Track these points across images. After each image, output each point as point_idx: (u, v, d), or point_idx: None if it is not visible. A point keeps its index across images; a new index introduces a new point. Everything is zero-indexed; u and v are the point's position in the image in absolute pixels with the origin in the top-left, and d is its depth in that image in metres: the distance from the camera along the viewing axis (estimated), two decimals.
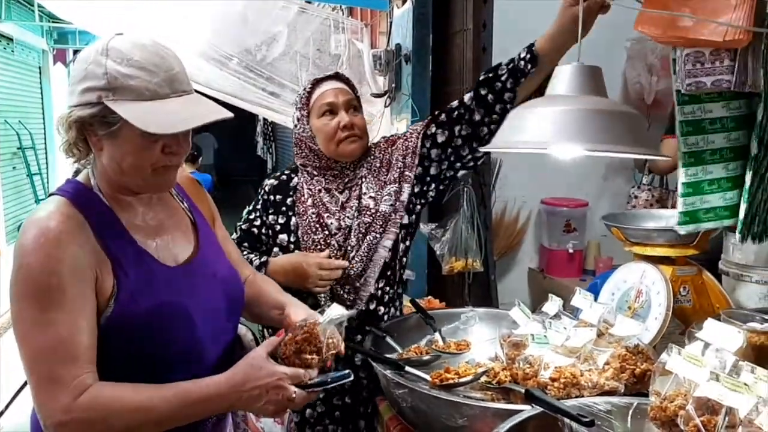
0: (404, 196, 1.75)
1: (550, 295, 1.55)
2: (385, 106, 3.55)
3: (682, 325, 1.56)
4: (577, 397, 1.24)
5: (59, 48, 9.73)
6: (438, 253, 3.05)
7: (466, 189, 2.99)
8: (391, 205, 1.75)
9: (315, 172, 1.79)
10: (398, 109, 3.42)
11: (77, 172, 1.21)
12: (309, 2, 4.03)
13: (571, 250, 3.29)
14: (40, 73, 9.19)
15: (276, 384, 1.10)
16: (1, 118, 7.41)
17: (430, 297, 2.98)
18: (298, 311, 1.31)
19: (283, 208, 1.79)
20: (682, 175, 1.45)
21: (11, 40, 7.96)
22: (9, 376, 4.04)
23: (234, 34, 3.86)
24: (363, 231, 1.73)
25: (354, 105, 1.77)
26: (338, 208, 1.76)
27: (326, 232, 1.74)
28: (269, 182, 1.86)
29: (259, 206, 1.82)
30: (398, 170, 1.77)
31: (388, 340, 1.63)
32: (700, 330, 1.26)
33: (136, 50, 1.07)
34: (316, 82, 1.78)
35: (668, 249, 1.60)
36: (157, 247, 1.19)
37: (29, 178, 8.19)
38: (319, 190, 1.77)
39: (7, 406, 3.83)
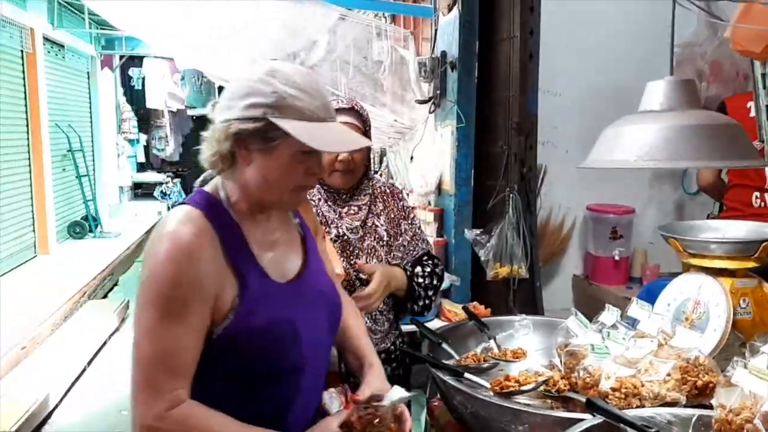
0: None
1: (606, 305, 1.56)
2: (430, 113, 3.58)
3: (742, 337, 1.55)
4: (638, 407, 1.25)
5: (106, 54, 10.06)
6: (483, 259, 3.07)
7: (512, 195, 3.01)
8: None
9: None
10: (443, 116, 3.45)
11: (204, 182, 1.26)
12: (350, 9, 4.08)
13: (617, 257, 3.27)
14: (88, 77, 9.49)
15: None
16: (52, 121, 7.67)
17: (475, 303, 3.00)
18: (370, 384, 1.31)
19: None
20: None
21: (62, 46, 8.25)
22: (60, 374, 4.20)
23: (277, 39, 3.95)
24: (373, 255, 1.87)
25: None
26: (336, 216, 1.86)
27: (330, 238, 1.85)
28: None
29: None
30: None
31: (444, 346, 1.65)
32: (762, 343, 1.26)
33: (298, 75, 1.13)
34: None
35: (728, 261, 1.58)
36: (269, 262, 1.21)
37: (78, 179, 8.47)
38: (319, 199, 1.88)
39: (58, 403, 3.98)
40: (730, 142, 1.12)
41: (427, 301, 1.92)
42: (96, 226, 8.60)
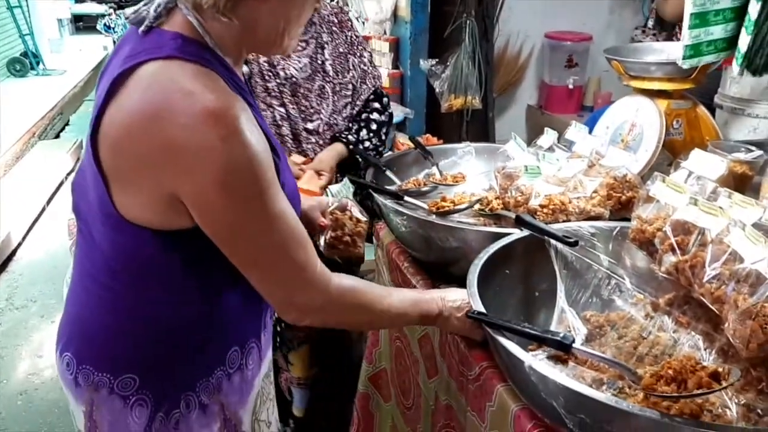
0: None
1: (545, 128, 1.59)
2: None
3: (671, 157, 1.61)
4: (564, 221, 1.32)
5: None
6: (437, 90, 3.03)
7: (468, 22, 2.90)
8: None
9: None
10: None
11: (156, 17, 0.90)
12: None
13: (571, 86, 3.27)
14: None
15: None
16: None
17: (428, 135, 3.02)
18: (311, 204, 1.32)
19: None
20: (690, 6, 1.41)
21: None
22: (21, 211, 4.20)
23: None
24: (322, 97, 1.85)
25: None
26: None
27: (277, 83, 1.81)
28: None
29: None
30: None
31: (388, 173, 1.69)
32: (686, 160, 1.31)
33: None
34: None
35: (666, 83, 1.60)
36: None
37: (9, 11, 7.81)
38: None
39: (21, 241, 4.03)
40: None
41: (381, 147, 1.93)
42: (38, 63, 8.12)
